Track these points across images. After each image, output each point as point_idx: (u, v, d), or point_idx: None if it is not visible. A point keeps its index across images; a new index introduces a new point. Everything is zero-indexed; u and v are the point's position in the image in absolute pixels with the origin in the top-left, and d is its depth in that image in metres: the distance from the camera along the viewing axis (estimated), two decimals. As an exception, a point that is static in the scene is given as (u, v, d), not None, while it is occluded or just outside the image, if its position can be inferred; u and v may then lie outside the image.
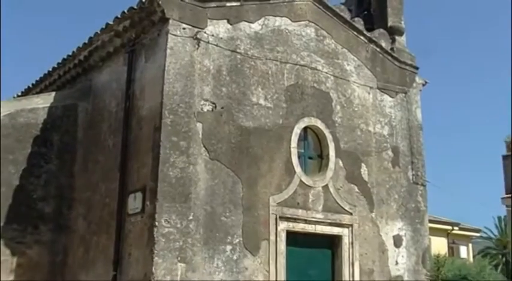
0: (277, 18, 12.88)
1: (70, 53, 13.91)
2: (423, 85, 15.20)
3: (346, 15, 14.15)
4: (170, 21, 11.34)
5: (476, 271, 23.76)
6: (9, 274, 12.14)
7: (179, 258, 10.64)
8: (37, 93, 15.08)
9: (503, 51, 63.41)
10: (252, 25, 12.48)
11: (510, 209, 16.20)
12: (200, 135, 11.30)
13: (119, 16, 12.08)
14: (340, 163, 13.10)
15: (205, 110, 11.48)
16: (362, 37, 14.23)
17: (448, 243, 33.06)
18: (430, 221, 15.05)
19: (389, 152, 14.04)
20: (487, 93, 61.47)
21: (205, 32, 11.76)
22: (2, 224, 12.22)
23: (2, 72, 51.96)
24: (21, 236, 12.44)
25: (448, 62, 63.22)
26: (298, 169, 12.40)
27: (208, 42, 11.77)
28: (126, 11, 11.90)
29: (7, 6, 51.74)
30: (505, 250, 30.77)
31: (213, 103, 11.60)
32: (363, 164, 13.48)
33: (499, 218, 34.35)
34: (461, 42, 63.82)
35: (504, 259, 32.41)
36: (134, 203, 11.20)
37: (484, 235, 36.56)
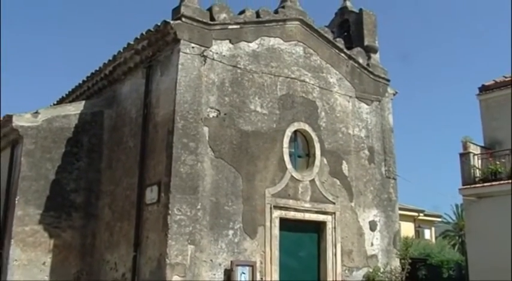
0: (271, 38, 12.79)
1: (97, 68, 13.82)
2: (394, 95, 15.11)
3: (330, 36, 14.04)
4: (181, 41, 11.28)
5: (438, 250, 23.78)
6: (47, 253, 12.11)
7: (189, 241, 10.57)
8: (70, 102, 14.92)
9: (462, 60, 62.31)
10: (250, 44, 12.38)
11: (466, 198, 16.19)
12: (207, 138, 11.22)
13: (138, 37, 12.02)
14: (325, 160, 13.00)
15: (210, 116, 11.38)
16: (343, 54, 14.11)
17: (415, 227, 32.92)
18: (400, 209, 14.91)
19: (366, 151, 13.93)
20: (449, 99, 60.63)
21: (210, 51, 11.69)
22: (40, 212, 12.17)
23: (42, 83, 52.00)
24: (57, 222, 12.38)
25: (415, 70, 62.10)
26: (289, 165, 12.30)
27: (213, 59, 11.69)
28: (144, 32, 11.85)
29: (48, 28, 51.78)
30: (461, 232, 30.62)
31: (218, 110, 11.51)
32: (343, 162, 13.37)
33: (457, 205, 34.34)
34: (428, 51, 62.23)
35: (460, 239, 32.31)
36: (151, 194, 11.10)
37: (444, 220, 36.54)
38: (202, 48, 11.55)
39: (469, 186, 16.23)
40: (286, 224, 11.99)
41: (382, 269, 13.16)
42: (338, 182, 13.13)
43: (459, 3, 59.25)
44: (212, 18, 11.84)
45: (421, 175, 52.18)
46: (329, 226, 12.66)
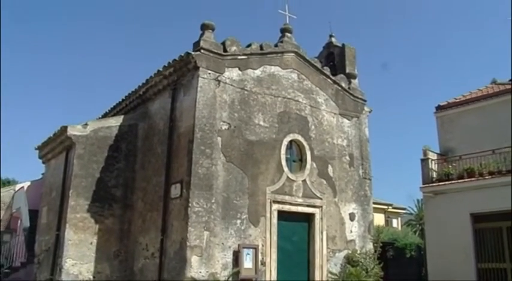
0: (272, 66, 12.60)
1: (133, 90, 13.67)
2: (369, 112, 14.91)
3: (319, 65, 13.85)
4: (200, 68, 11.15)
5: (403, 235, 23.48)
6: (94, 235, 12.07)
7: (205, 228, 10.41)
8: (111, 116, 14.76)
9: (423, 80, 61.16)
10: (255, 71, 12.20)
11: (425, 194, 16.11)
12: (220, 146, 11.04)
13: (166, 65, 11.90)
14: (314, 164, 12.77)
15: (223, 128, 11.20)
16: (329, 80, 13.90)
17: (385, 217, 32.65)
18: (373, 203, 14.69)
19: (347, 157, 13.70)
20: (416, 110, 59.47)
21: (223, 76, 11.53)
22: (88, 202, 12.16)
23: (89, 103, 52.03)
24: (101, 211, 12.30)
25: (389, 89, 60.51)
26: (285, 168, 12.09)
27: (225, 83, 11.52)
28: (171, 61, 11.72)
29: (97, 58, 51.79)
30: (421, 221, 30.38)
31: (229, 124, 11.32)
32: (329, 165, 13.14)
33: (418, 200, 34.07)
34: (397, 63, 60.23)
35: (420, 227, 32.00)
36: (175, 190, 10.92)
37: (408, 212, 36.25)
38: (217, 74, 11.39)
39: (427, 185, 16.09)
40: (282, 215, 11.77)
41: (359, 251, 12.96)
42: (324, 182, 12.90)
43: (428, 25, 58.56)
44: (225, 50, 11.69)
45: (391, 176, 51.79)
46: (317, 216, 12.42)
